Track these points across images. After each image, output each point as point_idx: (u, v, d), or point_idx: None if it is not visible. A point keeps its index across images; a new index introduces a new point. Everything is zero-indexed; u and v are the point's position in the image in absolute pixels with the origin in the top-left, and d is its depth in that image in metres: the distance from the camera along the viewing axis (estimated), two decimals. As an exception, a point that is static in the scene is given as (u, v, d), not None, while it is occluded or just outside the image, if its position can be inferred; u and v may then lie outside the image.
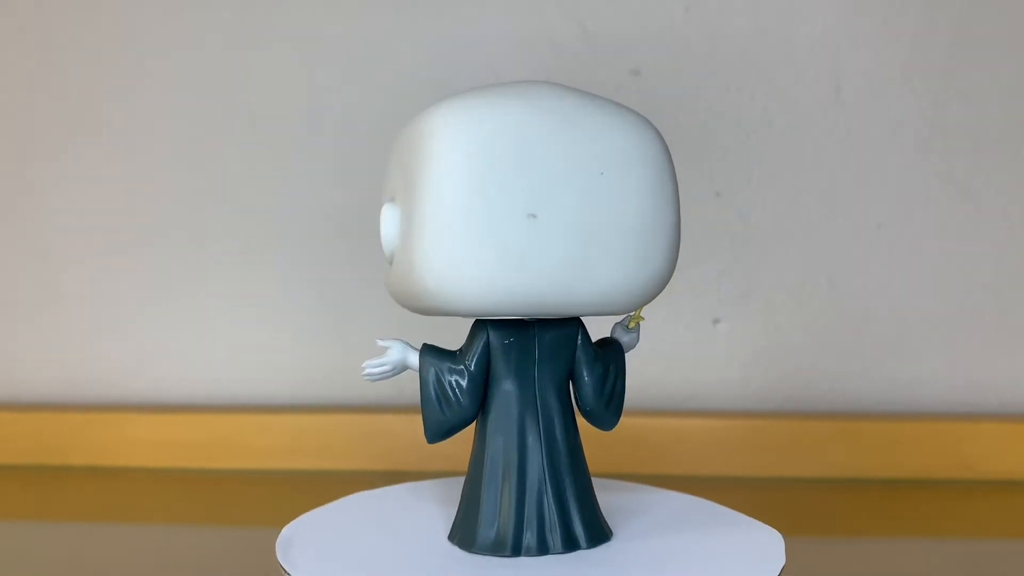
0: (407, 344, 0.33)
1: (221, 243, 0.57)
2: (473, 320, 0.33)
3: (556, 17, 0.54)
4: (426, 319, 0.33)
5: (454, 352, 0.33)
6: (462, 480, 0.34)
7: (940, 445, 0.52)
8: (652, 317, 0.53)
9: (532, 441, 0.32)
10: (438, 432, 0.33)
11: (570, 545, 0.32)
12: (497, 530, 0.32)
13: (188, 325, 0.57)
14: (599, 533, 0.33)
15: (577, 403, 0.34)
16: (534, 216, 0.29)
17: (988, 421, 0.53)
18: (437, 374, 0.32)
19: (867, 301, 0.55)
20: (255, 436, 0.55)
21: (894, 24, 0.54)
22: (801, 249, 0.55)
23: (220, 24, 0.56)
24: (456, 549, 0.32)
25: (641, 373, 0.55)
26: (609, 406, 0.34)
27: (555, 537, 0.32)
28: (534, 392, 0.32)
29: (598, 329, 0.35)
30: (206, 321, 0.57)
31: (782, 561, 0.31)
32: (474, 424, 0.33)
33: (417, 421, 0.33)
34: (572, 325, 0.33)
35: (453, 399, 0.32)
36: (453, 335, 0.35)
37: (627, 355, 0.35)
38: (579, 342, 0.33)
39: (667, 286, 0.33)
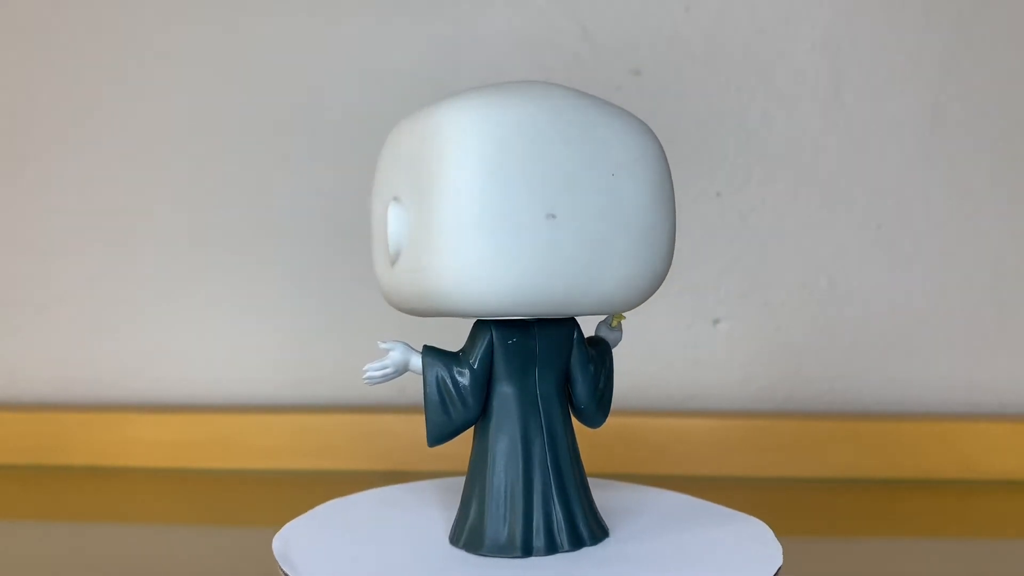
0: (408, 346, 0.32)
1: (221, 243, 0.57)
2: (473, 320, 0.33)
3: (556, 17, 0.54)
4: (426, 319, 0.33)
5: (456, 353, 0.33)
6: (462, 480, 0.34)
7: (940, 445, 0.52)
8: (652, 317, 0.53)
9: (536, 440, 0.32)
10: (441, 435, 0.32)
11: (577, 543, 0.32)
12: (506, 531, 0.32)
13: (188, 325, 0.57)
14: (601, 530, 0.33)
15: (571, 401, 0.34)
16: (553, 216, 0.29)
17: (988, 421, 0.53)
18: (441, 375, 0.32)
19: (867, 301, 0.55)
20: (255, 436, 0.55)
21: (894, 24, 0.54)
22: (801, 249, 0.55)
23: (220, 24, 0.56)
24: (456, 550, 0.32)
25: (641, 373, 0.55)
26: (600, 405, 0.34)
27: (562, 536, 0.32)
28: (535, 392, 0.32)
29: (587, 328, 0.35)
30: (206, 321, 0.57)
31: (779, 562, 0.31)
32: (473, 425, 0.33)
33: (417, 421, 0.33)
34: (569, 324, 0.33)
35: (458, 400, 0.32)
36: (454, 335, 0.35)
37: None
38: (575, 341, 0.33)
39: (668, 286, 0.33)
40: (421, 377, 0.32)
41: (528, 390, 0.32)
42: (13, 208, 0.58)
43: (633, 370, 0.54)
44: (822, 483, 0.52)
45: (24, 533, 0.46)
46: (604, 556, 0.32)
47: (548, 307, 0.30)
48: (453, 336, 0.35)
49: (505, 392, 0.32)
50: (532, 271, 0.29)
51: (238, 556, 0.42)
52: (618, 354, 0.35)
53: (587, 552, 0.32)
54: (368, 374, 0.32)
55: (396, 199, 0.31)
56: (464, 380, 0.32)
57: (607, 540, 0.33)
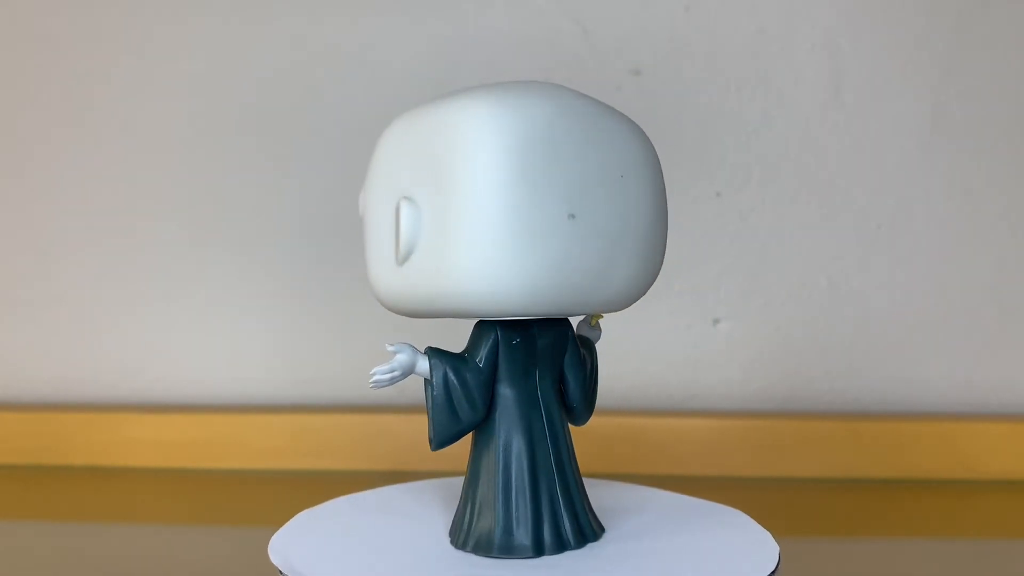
0: (415, 348, 0.32)
1: (221, 243, 0.57)
2: (474, 321, 0.33)
3: (556, 17, 0.54)
4: (421, 320, 0.33)
5: (462, 354, 0.32)
6: (462, 480, 0.34)
7: (940, 445, 0.52)
8: (652, 317, 0.53)
9: (539, 439, 0.32)
10: (447, 437, 0.32)
11: (581, 540, 0.32)
12: (517, 532, 0.32)
13: (188, 325, 0.57)
14: (600, 526, 0.34)
15: (563, 400, 0.34)
16: (573, 216, 0.29)
17: (988, 421, 0.53)
18: (449, 376, 0.32)
19: (867, 301, 0.55)
20: (255, 436, 0.55)
21: (894, 24, 0.54)
22: (801, 249, 0.55)
23: (220, 24, 0.56)
24: (456, 550, 0.32)
25: (641, 373, 0.55)
26: (587, 403, 0.34)
27: (568, 534, 0.32)
28: (536, 391, 0.32)
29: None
30: (206, 321, 0.57)
31: (775, 560, 0.31)
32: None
33: (417, 421, 0.33)
34: (564, 325, 0.33)
35: (466, 401, 0.32)
36: (455, 335, 0.35)
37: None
38: (570, 341, 0.33)
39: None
40: (423, 379, 0.32)
41: (529, 390, 0.32)
42: (13, 208, 0.58)
43: (633, 370, 0.54)
44: (822, 483, 0.52)
45: (24, 533, 0.46)
46: (609, 554, 0.32)
47: (562, 306, 0.30)
48: (455, 336, 0.35)
49: (506, 393, 0.32)
50: (553, 271, 0.29)
51: (238, 556, 0.42)
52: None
53: (591, 551, 0.32)
54: (375, 378, 0.31)
55: (408, 198, 0.30)
56: (472, 381, 0.32)
57: (608, 539, 0.33)
